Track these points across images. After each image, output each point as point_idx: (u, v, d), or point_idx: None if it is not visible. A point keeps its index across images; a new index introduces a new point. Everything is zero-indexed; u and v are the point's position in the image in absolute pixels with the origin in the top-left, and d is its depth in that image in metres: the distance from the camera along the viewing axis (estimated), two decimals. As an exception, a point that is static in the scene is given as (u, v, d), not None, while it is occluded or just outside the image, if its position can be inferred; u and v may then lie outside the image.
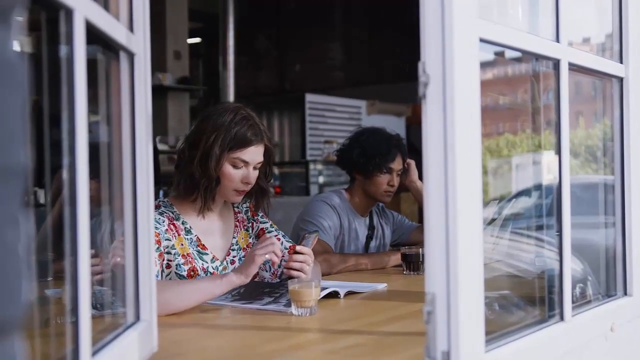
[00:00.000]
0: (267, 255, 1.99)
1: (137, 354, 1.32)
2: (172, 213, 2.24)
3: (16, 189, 0.61)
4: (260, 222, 2.46)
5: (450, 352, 1.17)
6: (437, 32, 1.18)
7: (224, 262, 2.31)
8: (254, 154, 2.24)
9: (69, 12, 1.01)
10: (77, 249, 1.02)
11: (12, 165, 0.60)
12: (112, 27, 1.22)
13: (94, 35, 1.13)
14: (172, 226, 2.19)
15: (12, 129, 0.60)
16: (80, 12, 1.02)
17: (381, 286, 2.38)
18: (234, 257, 2.35)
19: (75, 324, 1.02)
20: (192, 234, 2.25)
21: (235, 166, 2.22)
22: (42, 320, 1.28)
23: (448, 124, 1.17)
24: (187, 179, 2.23)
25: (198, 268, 2.22)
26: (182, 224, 2.25)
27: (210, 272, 2.24)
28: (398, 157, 3.05)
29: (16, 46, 0.62)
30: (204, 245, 2.27)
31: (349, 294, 2.21)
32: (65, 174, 1.03)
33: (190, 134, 2.28)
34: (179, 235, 2.21)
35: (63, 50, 1.03)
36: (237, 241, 2.38)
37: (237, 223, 2.42)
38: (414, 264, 2.67)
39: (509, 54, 1.57)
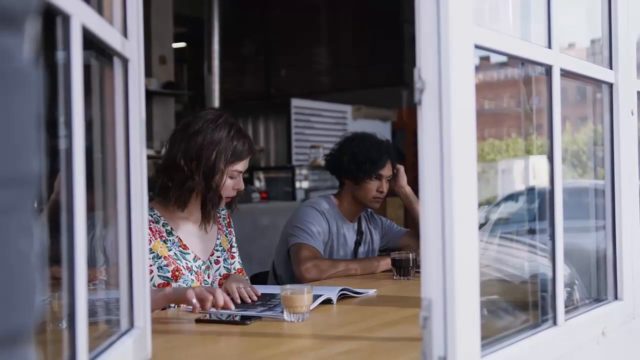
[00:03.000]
0: (194, 301, 1.93)
1: (132, 362, 1.32)
2: (152, 216, 2.26)
3: (29, 197, 0.61)
4: (233, 235, 2.56)
5: (446, 358, 1.17)
6: (433, 38, 1.18)
7: (207, 262, 2.38)
8: (247, 163, 2.37)
9: (66, 18, 1.00)
10: (74, 256, 1.01)
11: (26, 174, 0.60)
12: (107, 33, 1.22)
13: (89, 41, 1.12)
14: (149, 230, 2.21)
15: (25, 137, 0.60)
16: (77, 18, 1.02)
17: (371, 292, 2.38)
18: (218, 257, 2.43)
19: (72, 331, 1.01)
20: (174, 235, 2.31)
21: (231, 177, 2.32)
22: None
23: (444, 130, 1.17)
24: (187, 192, 2.28)
25: (182, 267, 2.27)
26: (163, 226, 2.31)
27: (195, 271, 2.31)
28: (388, 164, 3.05)
29: (30, 53, 0.62)
30: (185, 245, 2.32)
31: (342, 297, 2.21)
32: (61, 180, 1.02)
33: (184, 148, 2.27)
34: (156, 239, 2.26)
35: (59, 55, 1.02)
36: (220, 242, 2.46)
37: (220, 226, 2.49)
38: (404, 269, 2.68)
39: (494, 58, 1.58)
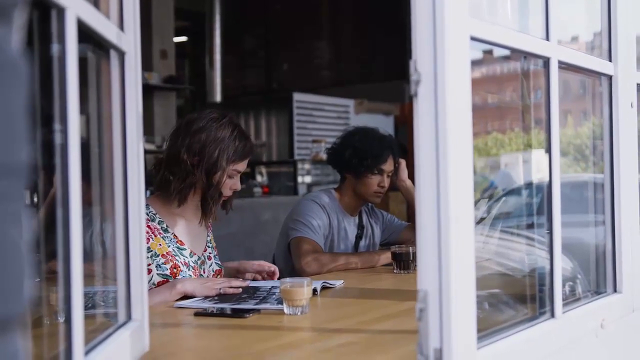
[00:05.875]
0: (221, 290, 2.17)
1: (129, 354, 1.32)
2: (147, 214, 2.28)
3: (19, 186, 0.62)
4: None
5: (442, 349, 1.17)
6: (428, 31, 1.18)
7: (202, 257, 2.42)
8: (246, 164, 2.41)
9: (61, 11, 1.00)
10: (70, 249, 1.01)
11: (15, 163, 0.61)
12: (103, 26, 1.22)
13: (85, 34, 1.12)
14: (147, 228, 2.23)
15: (14, 127, 0.60)
16: (72, 11, 1.02)
17: (339, 283, 2.41)
18: (209, 253, 2.48)
19: (68, 324, 1.01)
20: (169, 232, 2.33)
21: (230, 177, 2.35)
22: (32, 320, 1.27)
23: (440, 122, 1.17)
24: (188, 187, 2.31)
25: (180, 264, 2.30)
26: (159, 223, 2.33)
27: (192, 267, 2.34)
28: (390, 159, 3.05)
29: (17, 44, 0.62)
30: (181, 241, 2.35)
31: (343, 291, 2.23)
32: (56, 175, 1.02)
33: (188, 144, 2.30)
34: (155, 236, 2.28)
35: (54, 48, 1.02)
36: (210, 239, 2.51)
37: (209, 225, 2.53)
38: (404, 262, 2.68)
39: (497, 52, 1.58)
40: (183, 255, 2.32)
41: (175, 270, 2.27)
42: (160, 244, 2.28)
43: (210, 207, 2.35)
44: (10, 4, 0.60)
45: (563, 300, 1.57)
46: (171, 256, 2.28)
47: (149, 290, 2.16)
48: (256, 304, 2.00)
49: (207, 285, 2.15)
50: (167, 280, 2.24)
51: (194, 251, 2.38)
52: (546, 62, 1.54)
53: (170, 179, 2.29)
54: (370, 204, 3.24)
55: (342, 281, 2.44)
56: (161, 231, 2.31)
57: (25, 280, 0.62)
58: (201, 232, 2.46)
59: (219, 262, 2.51)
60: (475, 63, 1.37)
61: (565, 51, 1.62)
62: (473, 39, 1.26)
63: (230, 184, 2.36)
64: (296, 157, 7.90)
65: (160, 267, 2.25)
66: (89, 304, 1.39)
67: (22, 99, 0.62)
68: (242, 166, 2.37)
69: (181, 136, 2.32)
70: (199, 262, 2.39)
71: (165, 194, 2.33)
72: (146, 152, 6.19)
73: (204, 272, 2.40)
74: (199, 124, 2.32)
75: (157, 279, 2.24)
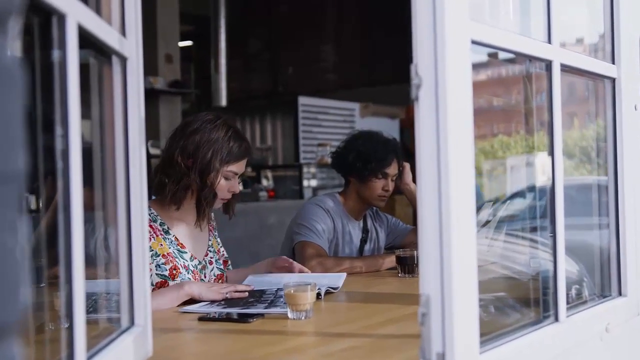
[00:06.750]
0: (227, 295, 2.16)
1: (132, 359, 1.32)
2: (149, 215, 2.28)
3: (14, 193, 0.62)
4: (218, 238, 2.59)
5: (445, 354, 1.17)
6: (429, 34, 1.18)
7: (203, 262, 2.42)
8: (243, 165, 2.39)
9: (62, 17, 1.00)
10: (71, 255, 1.01)
11: (11, 170, 0.61)
12: (104, 32, 1.22)
13: (86, 40, 1.13)
14: (149, 228, 2.23)
15: (10, 134, 0.60)
16: (72, 17, 1.02)
17: (341, 278, 2.42)
18: (211, 258, 2.47)
19: (70, 329, 1.02)
20: (170, 234, 2.34)
21: (226, 178, 2.34)
22: (36, 325, 1.27)
23: (441, 126, 1.17)
24: (183, 189, 2.31)
25: (179, 266, 2.30)
26: (160, 225, 2.33)
27: (191, 270, 2.34)
28: (394, 162, 3.05)
29: (14, 51, 0.62)
30: (182, 244, 2.36)
31: (328, 293, 2.24)
32: (58, 180, 1.02)
33: (182, 146, 2.31)
34: (157, 236, 2.29)
35: (55, 54, 1.03)
36: (212, 244, 2.50)
37: (211, 228, 2.53)
38: (408, 266, 2.67)
39: (502, 55, 1.58)
40: (183, 259, 2.32)
41: (174, 272, 2.26)
42: (161, 244, 2.28)
43: (204, 208, 2.34)
44: (4, 12, 0.60)
45: (568, 303, 1.57)
46: (171, 257, 2.28)
47: (154, 290, 2.17)
48: (264, 307, 2.00)
49: (213, 290, 2.14)
50: (166, 282, 2.24)
51: (194, 255, 2.38)
52: (548, 65, 1.54)
53: (166, 181, 2.30)
54: (374, 208, 3.23)
55: (344, 274, 2.44)
56: (162, 232, 2.31)
57: (22, 288, 0.62)
58: (202, 237, 2.46)
59: (221, 267, 2.50)
60: (480, 66, 1.37)
61: (568, 54, 1.61)
62: (474, 42, 1.26)
63: (228, 186, 2.35)
64: (302, 161, 7.90)
65: (160, 267, 2.25)
66: (91, 308, 1.39)
67: (19, 106, 0.62)
68: (237, 167, 2.35)
69: (177, 139, 2.33)
70: (199, 266, 2.38)
71: (164, 198, 2.33)
72: (152, 156, 6.20)
73: (205, 277, 2.40)
74: (193, 125, 2.33)
75: (155, 279, 2.24)
